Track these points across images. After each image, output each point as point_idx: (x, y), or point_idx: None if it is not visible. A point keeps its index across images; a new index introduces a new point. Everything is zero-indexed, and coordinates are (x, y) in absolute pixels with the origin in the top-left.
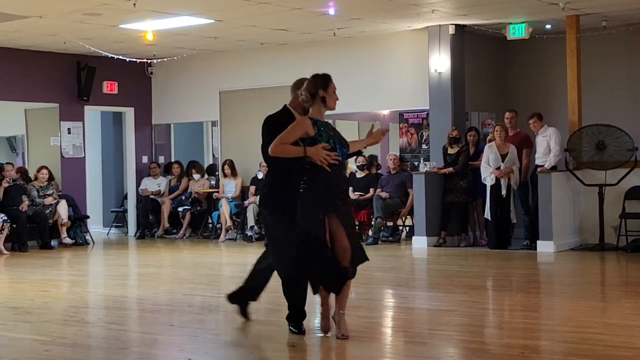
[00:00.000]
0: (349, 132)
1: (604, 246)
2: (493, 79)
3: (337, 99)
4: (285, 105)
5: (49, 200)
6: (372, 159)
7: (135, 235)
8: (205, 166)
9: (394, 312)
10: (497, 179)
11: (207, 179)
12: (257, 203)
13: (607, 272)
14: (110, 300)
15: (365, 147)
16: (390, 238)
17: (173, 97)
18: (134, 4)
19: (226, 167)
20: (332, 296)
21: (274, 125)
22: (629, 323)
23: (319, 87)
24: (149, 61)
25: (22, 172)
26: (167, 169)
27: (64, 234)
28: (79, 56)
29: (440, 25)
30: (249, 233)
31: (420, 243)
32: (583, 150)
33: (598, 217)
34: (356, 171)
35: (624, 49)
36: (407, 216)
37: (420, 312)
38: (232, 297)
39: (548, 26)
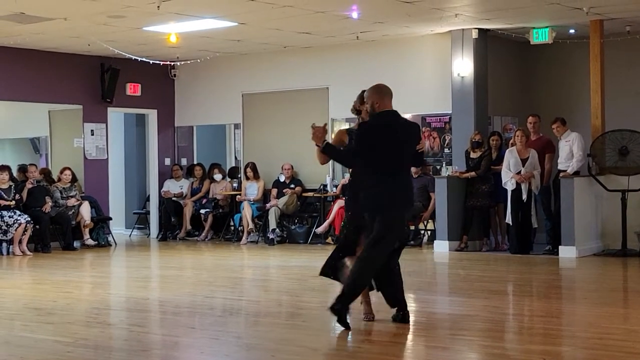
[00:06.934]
0: None
1: (627, 252)
2: (516, 84)
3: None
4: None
5: (71, 202)
6: None
7: (157, 237)
8: (228, 169)
9: (415, 317)
10: (518, 184)
11: (229, 181)
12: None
13: (629, 278)
14: (132, 302)
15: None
16: (412, 242)
17: (196, 100)
18: (158, 7)
19: (248, 169)
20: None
21: None
22: None
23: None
24: (173, 63)
25: (46, 173)
26: (189, 172)
27: (86, 235)
28: (102, 58)
29: (463, 30)
30: (271, 236)
31: (441, 247)
32: (606, 155)
33: (621, 223)
34: None
35: None
36: (429, 220)
37: (442, 317)
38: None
39: (572, 31)
